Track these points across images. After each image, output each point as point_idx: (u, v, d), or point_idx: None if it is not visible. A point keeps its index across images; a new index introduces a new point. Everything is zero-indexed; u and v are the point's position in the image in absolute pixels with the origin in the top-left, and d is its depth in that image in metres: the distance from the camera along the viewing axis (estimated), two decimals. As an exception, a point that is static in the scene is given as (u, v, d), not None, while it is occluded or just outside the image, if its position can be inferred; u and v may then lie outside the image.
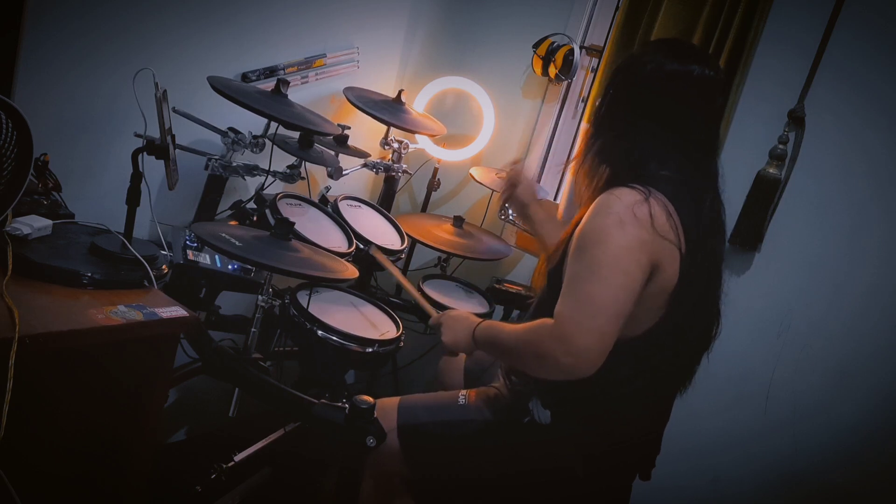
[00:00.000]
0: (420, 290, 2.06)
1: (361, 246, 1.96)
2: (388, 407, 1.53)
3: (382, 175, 2.45)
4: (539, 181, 2.66)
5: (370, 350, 1.70)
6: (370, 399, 1.44)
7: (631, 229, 1.23)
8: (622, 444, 1.40)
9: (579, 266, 1.25)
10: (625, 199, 1.25)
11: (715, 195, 1.39)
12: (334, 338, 1.67)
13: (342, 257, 1.77)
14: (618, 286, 1.22)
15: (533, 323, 1.31)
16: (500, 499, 1.48)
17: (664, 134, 1.33)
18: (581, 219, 1.32)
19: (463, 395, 1.54)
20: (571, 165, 1.44)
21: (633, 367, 1.33)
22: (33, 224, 1.37)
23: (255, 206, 1.95)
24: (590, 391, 1.30)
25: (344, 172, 2.13)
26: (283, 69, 2.14)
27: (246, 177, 1.94)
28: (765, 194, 2.07)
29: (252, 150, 1.91)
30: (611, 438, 1.39)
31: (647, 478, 1.53)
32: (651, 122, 1.33)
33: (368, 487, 1.58)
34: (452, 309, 1.64)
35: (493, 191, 2.41)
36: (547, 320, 1.26)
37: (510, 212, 2.41)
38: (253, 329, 1.63)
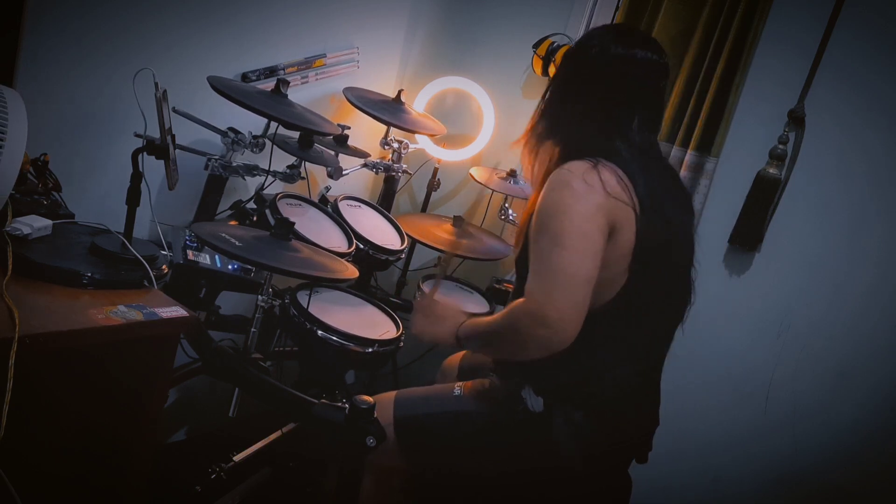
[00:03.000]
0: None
1: (361, 246, 1.96)
2: (384, 401, 1.54)
3: (382, 175, 2.45)
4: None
5: (370, 350, 1.70)
6: (370, 399, 1.44)
7: (585, 195, 1.27)
8: (615, 424, 1.41)
9: (542, 241, 1.29)
10: (575, 170, 1.31)
11: (665, 167, 1.46)
12: (334, 338, 1.67)
13: (342, 257, 1.77)
14: (582, 252, 1.25)
15: (508, 307, 1.34)
16: (497, 487, 1.49)
17: (610, 113, 1.38)
18: (536, 200, 1.36)
19: (458, 388, 1.55)
20: (523, 149, 1.48)
21: (607, 338, 1.36)
22: (33, 224, 1.37)
23: (255, 206, 1.95)
24: (574, 371, 1.34)
25: (344, 172, 2.13)
26: (283, 69, 2.14)
27: (246, 177, 1.94)
28: (765, 194, 2.07)
29: (252, 150, 1.91)
30: (602, 418, 1.40)
31: (644, 460, 1.54)
32: (597, 101, 1.39)
33: (368, 487, 1.58)
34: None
35: (493, 191, 2.41)
36: (520, 300, 1.30)
37: (510, 212, 2.41)
38: (253, 329, 1.63)
